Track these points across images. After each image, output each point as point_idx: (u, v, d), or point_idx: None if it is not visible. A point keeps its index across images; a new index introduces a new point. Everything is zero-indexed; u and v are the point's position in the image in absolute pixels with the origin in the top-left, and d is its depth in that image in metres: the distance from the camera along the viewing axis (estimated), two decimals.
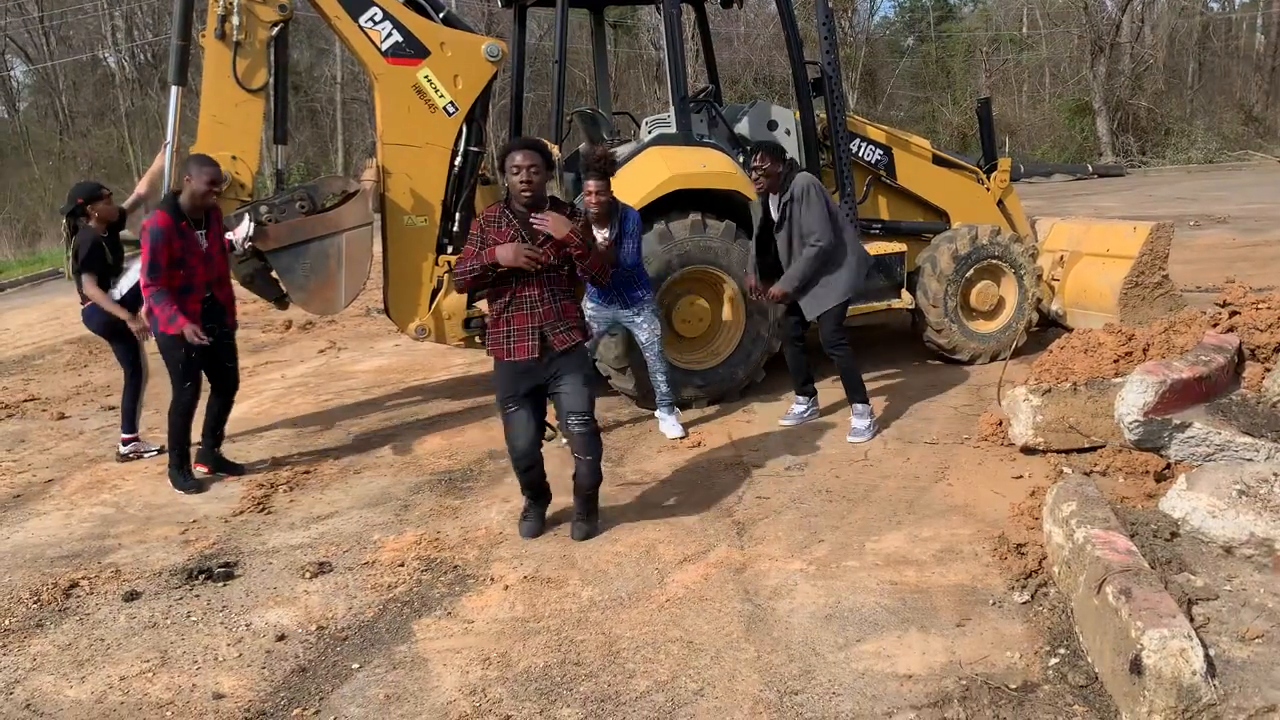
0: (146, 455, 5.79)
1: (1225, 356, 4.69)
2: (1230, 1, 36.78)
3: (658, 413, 5.79)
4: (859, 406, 5.47)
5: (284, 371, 8.04)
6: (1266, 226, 12.82)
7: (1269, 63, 33.31)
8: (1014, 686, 2.96)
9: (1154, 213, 14.53)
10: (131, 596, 3.92)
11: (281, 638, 3.54)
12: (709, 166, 6.04)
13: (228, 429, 5.52)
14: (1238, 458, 4.18)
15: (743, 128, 6.86)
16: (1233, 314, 5.04)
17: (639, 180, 5.87)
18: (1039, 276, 6.94)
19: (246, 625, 3.66)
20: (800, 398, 5.81)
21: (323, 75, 30.90)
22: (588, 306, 5.52)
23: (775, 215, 5.40)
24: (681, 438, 5.59)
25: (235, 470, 5.43)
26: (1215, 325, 5.03)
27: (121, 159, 27.54)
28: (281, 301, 5.83)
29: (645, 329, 5.54)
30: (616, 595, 3.73)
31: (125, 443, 5.80)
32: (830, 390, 6.06)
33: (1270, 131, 29.94)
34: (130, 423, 5.81)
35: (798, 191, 5.28)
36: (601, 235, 5.30)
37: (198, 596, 3.91)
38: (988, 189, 7.22)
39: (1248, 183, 20.24)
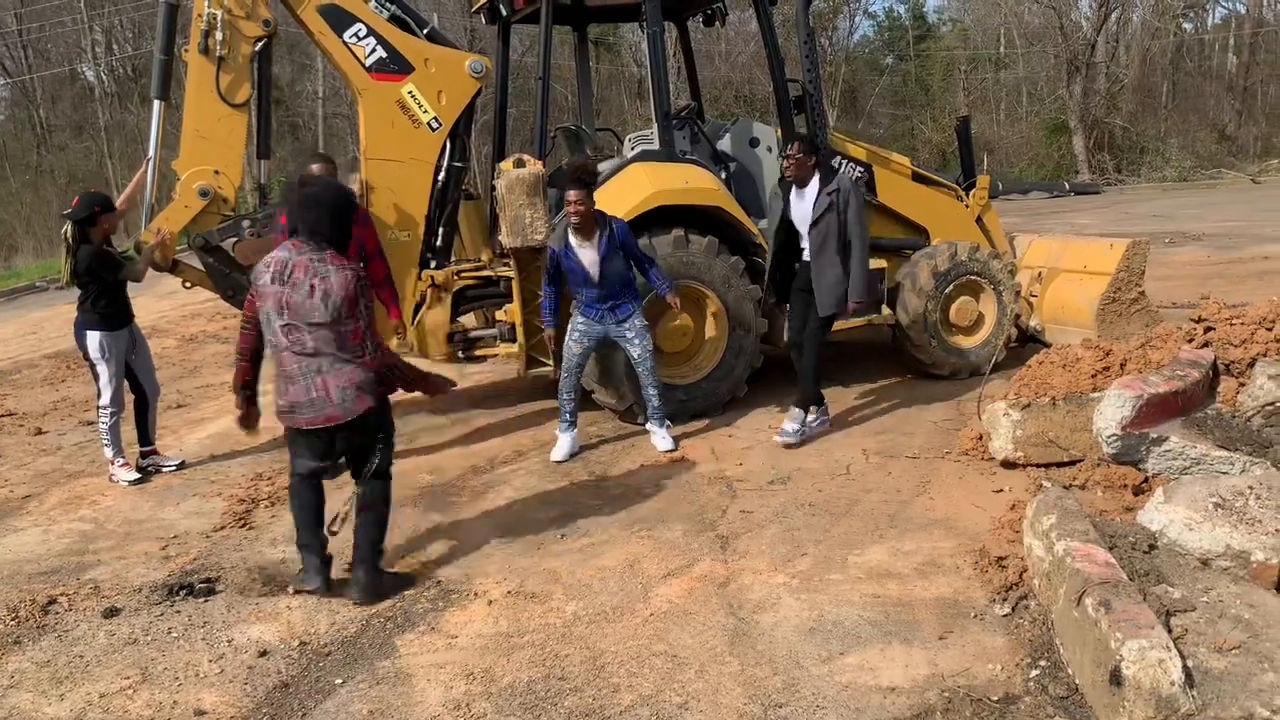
0: (165, 469, 5.74)
1: (1201, 371, 4.75)
2: (1203, 23, 37.43)
3: (649, 425, 5.79)
4: (798, 412, 5.54)
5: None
6: (1240, 244, 13.01)
7: (1241, 83, 33.87)
8: (995, 698, 2.98)
9: (1130, 230, 14.71)
10: (111, 613, 3.89)
11: (264, 653, 3.52)
12: (691, 183, 6.08)
13: (213, 443, 5.48)
14: (1213, 471, 4.23)
15: (725, 145, 6.92)
16: (1208, 329, 5.11)
17: (622, 196, 5.90)
18: (1018, 292, 7.01)
19: (228, 641, 3.63)
20: (797, 411, 5.72)
21: (304, 90, 30.88)
22: (577, 321, 5.52)
23: (809, 209, 5.37)
24: (672, 450, 5.61)
25: None
26: (1191, 341, 5.09)
27: (100, 173, 27.36)
28: (234, 300, 5.73)
29: (637, 344, 5.53)
30: (601, 610, 3.73)
31: (144, 455, 5.77)
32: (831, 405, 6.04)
33: (1243, 150, 30.46)
34: (144, 436, 5.78)
35: (846, 186, 5.31)
36: (588, 248, 5.30)
37: (178, 612, 3.88)
38: (967, 206, 7.30)
39: (1221, 200, 20.53)
